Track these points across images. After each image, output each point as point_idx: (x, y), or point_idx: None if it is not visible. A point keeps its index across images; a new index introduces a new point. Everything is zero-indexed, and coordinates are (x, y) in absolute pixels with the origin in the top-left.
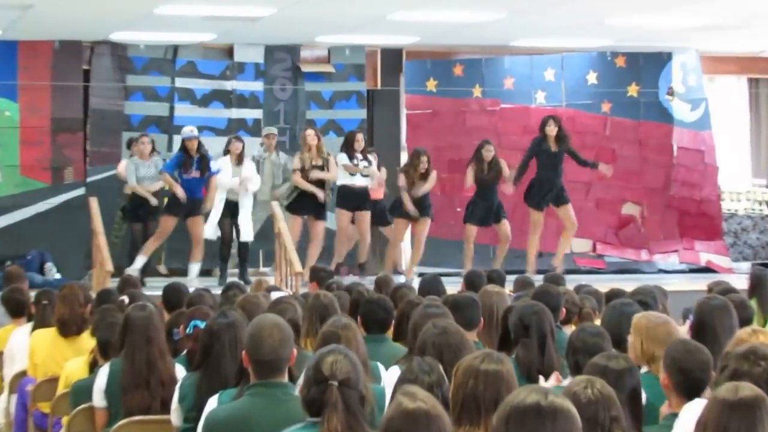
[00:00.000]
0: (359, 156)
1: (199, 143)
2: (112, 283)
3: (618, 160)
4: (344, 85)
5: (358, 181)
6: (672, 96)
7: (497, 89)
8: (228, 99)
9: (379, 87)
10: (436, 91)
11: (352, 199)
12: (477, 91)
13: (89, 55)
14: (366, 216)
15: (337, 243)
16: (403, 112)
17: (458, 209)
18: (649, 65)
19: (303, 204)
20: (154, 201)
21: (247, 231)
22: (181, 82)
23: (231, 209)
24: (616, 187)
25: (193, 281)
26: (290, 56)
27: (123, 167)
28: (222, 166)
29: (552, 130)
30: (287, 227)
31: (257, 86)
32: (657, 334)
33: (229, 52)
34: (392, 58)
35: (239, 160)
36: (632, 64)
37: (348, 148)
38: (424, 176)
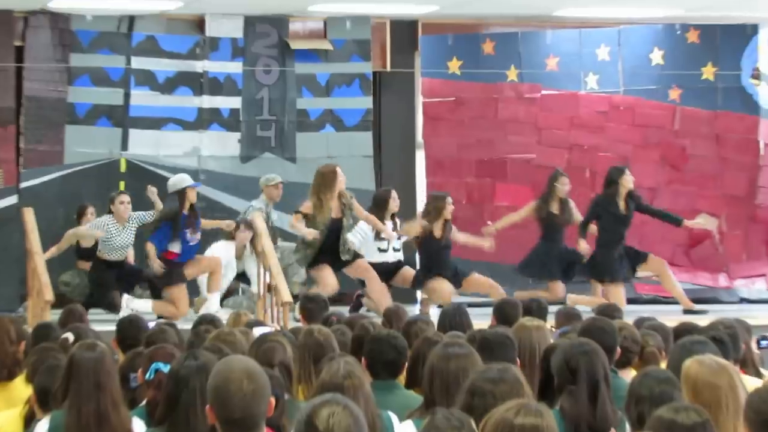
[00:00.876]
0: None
1: None
2: (53, 316)
3: (689, 161)
4: (345, 67)
5: (390, 258)
6: (758, 80)
7: (537, 71)
8: (198, 84)
9: (388, 69)
10: (460, 74)
11: (382, 274)
12: (512, 74)
13: (23, 29)
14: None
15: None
16: (419, 101)
17: (489, 222)
18: (729, 41)
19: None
20: (96, 234)
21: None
22: (138, 63)
23: None
24: (687, 194)
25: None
26: (276, 30)
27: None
28: (222, 253)
29: (629, 181)
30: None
31: (235, 68)
32: (704, 386)
33: (200, 24)
34: (405, 32)
35: (241, 252)
36: (707, 39)
37: (378, 211)
38: (447, 223)
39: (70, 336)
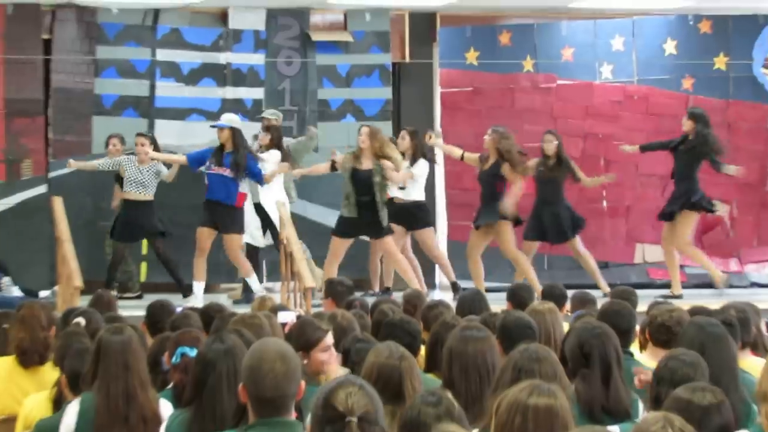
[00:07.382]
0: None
1: (235, 134)
2: (82, 302)
3: None
4: (364, 58)
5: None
6: None
7: (553, 62)
8: (221, 75)
9: (407, 60)
10: (477, 65)
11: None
12: (528, 64)
13: (50, 22)
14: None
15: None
16: (437, 91)
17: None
18: (741, 31)
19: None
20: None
21: (255, 234)
22: (163, 55)
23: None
24: (699, 181)
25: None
26: (298, 22)
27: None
28: (270, 161)
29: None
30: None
31: (257, 59)
32: None
33: (223, 17)
34: (423, 24)
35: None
36: (720, 29)
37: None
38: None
39: (81, 320)
